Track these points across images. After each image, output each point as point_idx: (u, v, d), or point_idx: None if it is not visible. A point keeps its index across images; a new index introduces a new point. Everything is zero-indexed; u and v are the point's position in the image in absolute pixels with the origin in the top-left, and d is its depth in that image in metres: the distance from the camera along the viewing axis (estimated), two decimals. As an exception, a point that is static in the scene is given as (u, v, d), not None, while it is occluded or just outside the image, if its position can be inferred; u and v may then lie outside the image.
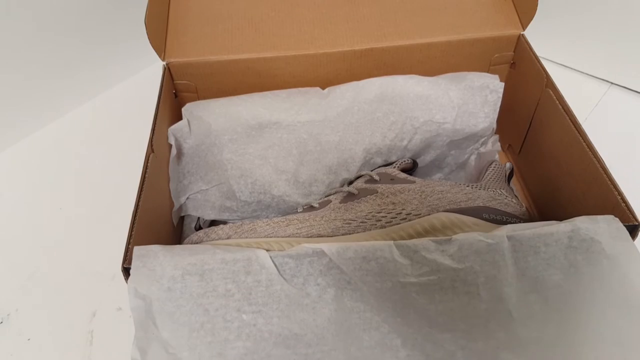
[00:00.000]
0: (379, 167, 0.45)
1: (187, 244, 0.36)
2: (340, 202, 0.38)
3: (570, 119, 0.40)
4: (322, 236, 0.35)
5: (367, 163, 0.45)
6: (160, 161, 0.40)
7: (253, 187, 0.43)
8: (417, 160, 0.47)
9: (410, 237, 0.35)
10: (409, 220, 0.36)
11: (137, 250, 0.30)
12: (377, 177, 0.41)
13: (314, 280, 0.30)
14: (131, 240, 0.31)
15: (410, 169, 0.45)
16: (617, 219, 0.31)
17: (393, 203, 0.37)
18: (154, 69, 0.66)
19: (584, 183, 0.38)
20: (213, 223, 0.47)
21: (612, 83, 0.64)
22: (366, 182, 0.41)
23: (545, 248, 0.30)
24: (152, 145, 0.38)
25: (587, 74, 0.65)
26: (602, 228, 0.31)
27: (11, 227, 0.53)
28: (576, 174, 0.39)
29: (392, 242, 0.30)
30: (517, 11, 0.49)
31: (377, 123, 0.45)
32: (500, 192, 0.40)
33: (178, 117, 0.47)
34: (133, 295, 0.29)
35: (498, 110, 0.47)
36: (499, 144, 0.50)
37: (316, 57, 0.48)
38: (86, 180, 0.57)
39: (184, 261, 0.29)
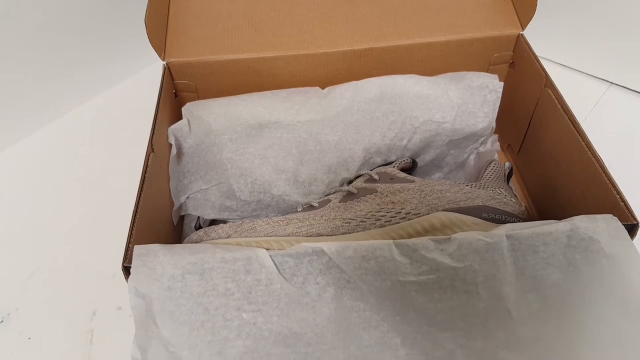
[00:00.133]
0: (379, 166, 0.45)
1: (187, 243, 0.36)
2: (340, 202, 0.39)
3: (569, 118, 0.40)
4: (322, 235, 0.35)
5: (367, 163, 0.45)
6: (160, 161, 0.40)
7: (253, 186, 0.43)
8: (417, 160, 0.47)
9: (410, 236, 0.35)
10: (409, 219, 0.36)
11: (138, 249, 0.30)
12: (376, 177, 0.41)
13: (313, 280, 0.30)
14: (131, 240, 0.31)
15: (410, 168, 0.45)
16: (616, 218, 0.31)
17: (393, 202, 0.37)
18: (154, 69, 0.66)
19: (583, 183, 0.38)
20: (213, 222, 0.47)
21: (611, 83, 0.64)
22: (366, 181, 0.41)
23: (544, 247, 0.30)
24: (152, 145, 0.38)
25: (587, 74, 0.65)
26: (601, 227, 0.31)
27: (12, 227, 0.53)
28: (575, 174, 0.39)
29: (392, 241, 0.30)
30: (516, 11, 0.49)
31: (376, 123, 0.45)
32: (499, 192, 0.41)
33: (178, 117, 0.47)
34: (133, 295, 0.29)
35: (497, 110, 0.47)
36: (498, 143, 0.50)
37: (316, 57, 0.48)
38: (87, 180, 0.57)
39: (184, 260, 0.30)
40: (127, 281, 0.30)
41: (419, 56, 0.49)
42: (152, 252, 0.30)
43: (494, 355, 0.29)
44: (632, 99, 0.63)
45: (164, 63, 0.47)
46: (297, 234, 0.35)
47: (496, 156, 0.50)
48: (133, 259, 0.29)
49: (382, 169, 0.42)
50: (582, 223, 0.31)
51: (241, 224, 0.36)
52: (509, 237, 0.30)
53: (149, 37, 0.44)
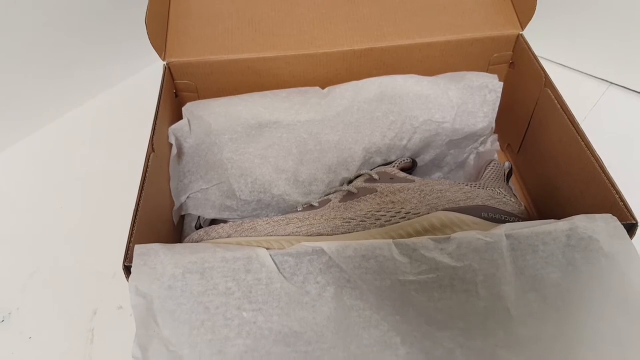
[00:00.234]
0: (379, 166, 0.45)
1: (187, 242, 0.36)
2: (340, 201, 0.39)
3: (569, 118, 0.40)
4: (322, 235, 0.35)
5: (366, 162, 0.46)
6: (160, 160, 0.40)
7: (253, 186, 0.43)
8: (417, 160, 0.47)
9: (410, 236, 0.36)
10: (409, 219, 0.36)
11: (138, 248, 0.30)
12: (376, 177, 0.41)
13: (313, 279, 0.30)
14: (132, 239, 0.31)
15: (410, 168, 0.45)
16: (615, 217, 0.31)
17: (392, 202, 0.38)
18: (154, 68, 0.66)
19: (583, 182, 0.38)
20: (213, 222, 0.47)
21: (611, 83, 0.64)
22: (366, 181, 0.41)
23: (543, 247, 0.31)
24: (152, 145, 0.38)
25: (586, 74, 0.65)
26: (600, 227, 0.31)
27: (12, 227, 0.53)
28: (575, 174, 0.39)
29: (392, 240, 0.30)
30: (516, 11, 0.50)
31: (376, 123, 0.45)
32: (499, 191, 0.41)
33: (178, 117, 0.47)
34: (134, 294, 0.29)
35: (497, 109, 0.47)
36: (498, 143, 0.50)
37: (316, 57, 0.48)
38: (87, 179, 0.57)
39: (184, 260, 0.30)
40: (127, 280, 0.30)
41: (418, 56, 0.50)
42: (153, 251, 0.30)
43: (493, 354, 0.30)
44: (632, 98, 0.63)
45: (165, 63, 0.47)
46: (297, 234, 0.35)
47: (496, 156, 0.50)
48: (134, 258, 0.30)
49: (382, 169, 0.43)
50: (581, 222, 0.31)
51: (241, 223, 0.36)
52: (508, 236, 0.30)
53: (149, 37, 0.44)
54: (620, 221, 0.31)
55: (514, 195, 0.43)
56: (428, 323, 0.30)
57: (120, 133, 0.62)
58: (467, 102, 0.46)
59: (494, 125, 0.48)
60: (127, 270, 0.30)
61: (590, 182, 0.36)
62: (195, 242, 0.35)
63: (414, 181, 0.40)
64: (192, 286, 0.29)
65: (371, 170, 0.43)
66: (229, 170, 0.44)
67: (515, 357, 0.30)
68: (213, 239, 0.35)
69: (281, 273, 0.30)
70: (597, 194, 0.36)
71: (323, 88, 0.49)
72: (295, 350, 0.29)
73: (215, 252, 0.30)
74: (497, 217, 0.38)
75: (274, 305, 0.29)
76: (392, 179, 0.41)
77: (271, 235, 0.35)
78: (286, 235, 0.35)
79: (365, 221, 0.36)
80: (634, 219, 0.32)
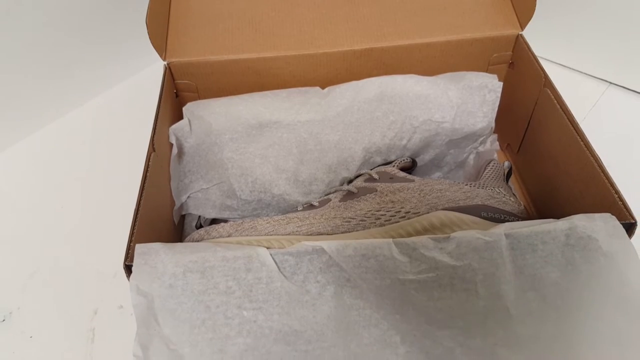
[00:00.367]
0: (379, 166, 0.45)
1: (188, 242, 0.36)
2: (340, 201, 0.39)
3: (568, 118, 0.40)
4: (322, 234, 0.35)
5: (366, 162, 0.46)
6: (161, 160, 0.41)
7: (253, 185, 0.44)
8: (417, 159, 0.47)
9: (409, 235, 0.36)
10: (408, 218, 0.37)
11: (139, 247, 0.30)
12: (376, 176, 0.41)
13: (313, 278, 0.30)
14: (133, 238, 0.31)
15: (410, 167, 0.45)
16: (613, 216, 0.31)
17: (392, 201, 0.38)
18: (154, 68, 0.66)
19: (582, 182, 0.38)
20: (214, 221, 0.47)
21: (610, 83, 0.64)
22: (366, 180, 0.41)
23: (542, 246, 0.31)
24: (153, 145, 0.39)
25: (586, 74, 0.66)
26: (599, 226, 0.31)
27: (13, 226, 0.53)
28: (574, 173, 0.39)
29: (391, 239, 0.30)
30: (515, 11, 0.50)
31: (376, 122, 0.45)
32: (498, 191, 0.41)
33: (179, 117, 0.48)
34: (135, 292, 0.29)
35: (496, 109, 0.47)
36: (497, 143, 0.51)
37: (316, 57, 0.49)
38: (88, 179, 0.57)
39: (185, 259, 0.30)
40: (128, 279, 0.30)
41: (418, 56, 0.50)
42: (153, 250, 0.30)
43: (492, 352, 0.30)
44: (631, 98, 0.63)
45: (165, 63, 0.47)
46: (297, 233, 0.35)
47: (495, 155, 0.50)
48: (134, 257, 0.30)
49: (382, 168, 0.43)
50: (580, 221, 0.31)
51: (242, 222, 0.36)
52: (507, 235, 0.31)
53: (149, 37, 0.45)
54: (619, 220, 0.31)
55: (513, 194, 0.43)
56: (428, 322, 0.30)
57: (120, 133, 0.62)
58: (467, 101, 0.46)
59: (493, 124, 0.48)
60: (128, 269, 0.30)
61: (589, 181, 0.37)
62: (195, 241, 0.35)
63: (413, 181, 0.40)
64: (192, 285, 0.29)
65: (371, 169, 0.43)
66: (229, 169, 0.44)
67: (514, 356, 0.30)
68: (213, 238, 0.35)
69: (281, 272, 0.30)
70: (596, 193, 0.36)
71: (323, 88, 0.49)
72: (296, 348, 0.29)
73: (216, 251, 0.30)
74: (497, 216, 0.39)
75: (274, 304, 0.29)
76: (392, 178, 0.41)
77: (271, 235, 0.35)
78: (286, 235, 0.35)
79: (365, 220, 0.36)
80: (633, 218, 0.32)
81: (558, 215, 0.33)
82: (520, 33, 0.49)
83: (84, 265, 0.49)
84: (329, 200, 0.39)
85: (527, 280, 0.30)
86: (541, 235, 0.31)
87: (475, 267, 0.30)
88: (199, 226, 0.46)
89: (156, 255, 0.30)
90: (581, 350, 0.30)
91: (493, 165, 0.44)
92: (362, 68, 0.49)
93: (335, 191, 0.41)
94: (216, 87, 0.50)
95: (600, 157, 0.36)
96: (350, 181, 0.43)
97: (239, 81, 0.49)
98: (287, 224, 0.35)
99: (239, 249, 0.30)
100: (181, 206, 0.45)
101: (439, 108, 0.45)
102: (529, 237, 0.31)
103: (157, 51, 0.46)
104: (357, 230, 0.36)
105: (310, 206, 0.39)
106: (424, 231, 0.36)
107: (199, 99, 0.50)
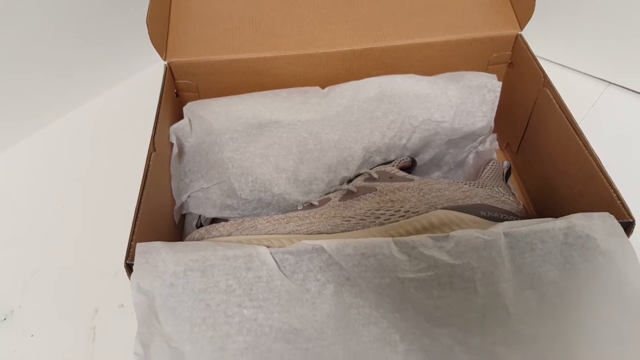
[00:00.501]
0: (378, 165, 0.45)
1: (188, 241, 0.36)
2: (339, 200, 0.39)
3: (567, 118, 0.40)
4: (321, 233, 0.35)
5: (366, 161, 0.46)
6: (162, 160, 0.41)
7: (254, 185, 0.44)
8: (416, 159, 0.47)
9: (409, 234, 0.36)
10: (408, 217, 0.37)
11: (140, 246, 0.30)
12: (376, 176, 0.41)
13: (313, 276, 0.30)
14: (134, 237, 0.32)
15: (409, 167, 0.46)
16: (612, 215, 0.32)
17: (392, 201, 0.38)
18: (155, 68, 0.66)
19: (581, 181, 0.38)
20: (214, 221, 0.47)
21: (609, 82, 0.64)
22: (365, 180, 0.41)
23: (541, 244, 0.31)
24: (154, 144, 0.39)
25: (585, 74, 0.66)
26: (597, 225, 0.31)
27: (14, 226, 0.54)
28: (573, 173, 0.39)
29: (391, 238, 0.31)
30: (514, 11, 0.50)
31: (376, 122, 0.45)
32: (497, 190, 0.41)
33: (179, 116, 0.48)
34: (136, 291, 0.29)
35: (496, 109, 0.47)
36: (496, 142, 0.51)
37: (316, 56, 0.49)
38: (88, 179, 0.58)
39: (185, 257, 0.30)
40: (129, 278, 0.30)
41: (418, 56, 0.50)
42: (154, 249, 0.30)
43: (491, 351, 0.30)
44: (630, 98, 0.63)
45: (165, 63, 0.47)
46: (297, 232, 0.35)
47: (494, 155, 0.50)
48: (135, 256, 0.30)
49: (382, 168, 0.43)
50: (578, 220, 0.31)
51: (242, 222, 0.36)
52: (506, 234, 0.31)
53: (150, 37, 0.45)
54: (617, 219, 0.31)
55: (513, 194, 0.43)
56: (427, 320, 0.30)
57: (121, 132, 0.62)
58: (466, 101, 0.46)
59: (492, 124, 0.48)
60: (129, 267, 0.30)
61: (588, 181, 0.37)
62: (196, 240, 0.35)
63: (413, 180, 0.40)
64: (193, 283, 0.29)
65: (370, 169, 0.43)
66: (230, 169, 0.44)
67: (513, 354, 0.30)
68: (214, 237, 0.35)
69: (281, 271, 0.30)
70: (595, 192, 0.36)
71: (323, 88, 0.49)
72: (295, 347, 0.29)
73: (216, 250, 0.30)
74: (496, 215, 0.39)
75: (274, 302, 0.30)
76: (392, 177, 0.41)
77: (271, 234, 0.35)
78: (286, 234, 0.35)
79: (364, 219, 0.36)
80: (631, 217, 0.32)
81: (557, 214, 0.33)
82: (519, 33, 0.49)
83: (85, 264, 0.49)
84: (329, 199, 0.39)
85: (526, 278, 0.31)
86: (540, 234, 0.31)
87: (474, 265, 0.30)
88: (200, 225, 0.46)
89: (157, 254, 0.30)
90: (580, 349, 0.30)
91: (492, 165, 0.44)
92: (362, 68, 0.50)
93: (335, 190, 0.41)
94: (216, 87, 0.50)
95: (599, 157, 0.36)
96: (350, 180, 0.43)
97: (239, 81, 0.49)
98: (287, 223, 0.36)
99: (239, 248, 0.31)
100: (182, 205, 0.45)
101: (439, 108, 0.46)
102: (528, 236, 0.31)
103: (157, 51, 0.46)
104: (356, 229, 0.36)
105: (310, 205, 0.39)
106: (424, 230, 0.36)
107: (200, 98, 0.50)
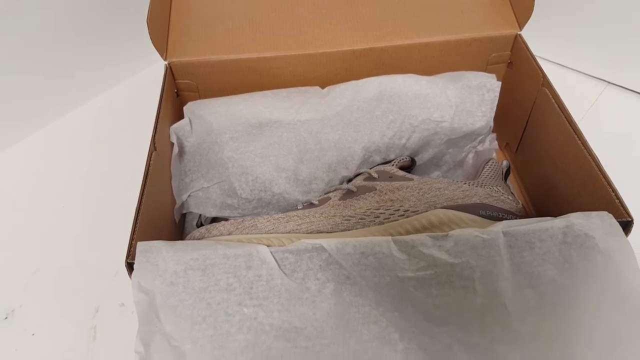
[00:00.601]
0: (378, 165, 0.45)
1: (189, 240, 0.36)
2: (339, 199, 0.39)
3: (566, 117, 0.40)
4: (321, 232, 0.36)
5: (366, 161, 0.46)
6: (162, 159, 0.41)
7: (254, 184, 0.44)
8: (416, 159, 0.47)
9: (408, 233, 0.36)
10: (407, 216, 0.37)
11: (141, 245, 0.30)
12: (375, 175, 0.41)
13: (313, 275, 0.30)
14: (134, 236, 0.32)
15: (409, 166, 0.46)
16: (610, 215, 0.32)
17: (391, 200, 0.38)
18: (155, 68, 0.67)
19: (579, 181, 0.38)
20: (214, 220, 0.47)
21: (608, 82, 0.65)
22: (365, 179, 0.41)
23: (540, 243, 0.31)
24: (154, 144, 0.39)
25: (584, 73, 0.66)
26: (596, 224, 0.31)
27: (15, 225, 0.54)
28: (572, 172, 0.39)
29: (390, 237, 0.31)
30: (514, 11, 0.50)
31: (376, 122, 0.46)
32: (496, 190, 0.41)
33: (180, 116, 0.48)
34: (137, 290, 0.29)
35: (495, 109, 0.47)
36: (496, 142, 0.51)
37: (316, 56, 0.49)
38: (89, 178, 0.58)
39: (186, 256, 0.30)
40: (130, 277, 0.30)
41: (417, 56, 0.50)
42: (155, 248, 0.30)
43: (490, 349, 0.30)
44: (629, 98, 0.63)
45: (166, 63, 0.48)
46: (297, 231, 0.35)
47: (494, 154, 0.50)
48: (136, 255, 0.30)
49: (381, 167, 0.43)
50: (577, 219, 0.31)
51: (242, 221, 0.36)
52: (505, 233, 0.31)
53: (150, 37, 0.45)
54: (615, 218, 0.32)
55: (512, 193, 0.43)
56: (426, 319, 0.30)
57: (121, 132, 0.62)
58: (466, 101, 0.46)
59: (492, 124, 0.48)
60: (130, 266, 0.30)
61: (587, 180, 0.37)
62: (196, 240, 0.36)
63: (412, 179, 0.40)
64: (193, 282, 0.30)
65: (370, 168, 0.43)
66: (230, 168, 0.44)
67: (512, 352, 0.30)
68: (214, 236, 0.35)
69: (281, 269, 0.30)
70: (594, 192, 0.36)
71: (323, 87, 0.49)
72: (295, 345, 0.30)
73: (217, 249, 0.31)
74: (495, 214, 0.39)
75: (274, 301, 0.30)
76: (391, 177, 0.41)
77: (271, 233, 0.35)
78: (286, 233, 0.35)
79: (364, 219, 0.37)
80: (629, 216, 0.32)
81: (556, 213, 0.33)
82: (518, 33, 0.49)
83: (85, 263, 0.49)
84: (329, 198, 0.40)
85: (525, 277, 0.31)
86: (538, 233, 0.31)
87: (473, 264, 0.30)
88: (200, 224, 0.47)
89: (158, 253, 0.30)
90: (579, 347, 0.30)
91: (491, 164, 0.44)
92: (362, 68, 0.50)
93: (335, 190, 0.42)
94: (217, 87, 0.50)
95: (598, 156, 0.36)
96: (349, 180, 0.43)
97: (239, 81, 0.50)
98: (287, 222, 0.36)
99: (239, 247, 0.31)
100: (182, 205, 0.46)
101: (438, 107, 0.46)
102: (527, 235, 0.31)
103: (158, 51, 0.47)
104: (356, 229, 0.36)
105: (310, 205, 0.39)
106: (423, 229, 0.36)
107: (200, 98, 0.50)
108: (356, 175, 0.43)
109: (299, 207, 0.40)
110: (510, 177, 0.51)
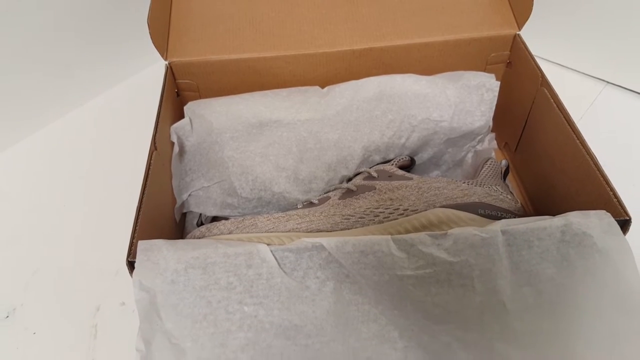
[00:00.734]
0: (378, 164, 0.45)
1: (189, 239, 0.37)
2: (339, 199, 0.39)
3: (565, 117, 0.40)
4: (321, 231, 0.36)
5: (365, 160, 0.46)
6: (163, 159, 0.41)
7: (254, 184, 0.44)
8: (415, 158, 0.47)
9: (408, 232, 0.36)
10: (406, 215, 0.37)
11: (142, 244, 0.31)
12: (375, 174, 0.41)
13: (313, 274, 0.31)
14: (135, 235, 0.32)
15: (408, 166, 0.46)
16: (608, 213, 0.32)
17: (391, 199, 0.38)
18: (155, 68, 0.67)
19: (578, 180, 0.38)
20: (215, 219, 0.48)
21: (607, 82, 0.65)
22: (365, 179, 0.41)
23: (538, 242, 0.31)
24: (155, 143, 0.39)
25: (583, 73, 0.66)
26: (594, 223, 0.31)
27: (16, 225, 0.54)
28: (570, 172, 0.40)
29: (390, 236, 0.31)
30: (513, 11, 0.50)
31: (375, 121, 0.46)
32: (495, 189, 0.41)
33: (180, 116, 0.48)
34: (138, 288, 0.29)
35: (494, 108, 0.47)
36: (495, 141, 0.51)
37: (316, 56, 0.49)
38: (89, 178, 0.58)
39: (187, 255, 0.30)
40: (131, 275, 0.30)
41: (417, 56, 0.50)
42: (156, 246, 0.31)
43: (489, 347, 0.30)
44: (628, 98, 0.63)
45: (166, 62, 0.48)
46: (297, 230, 0.35)
47: (493, 154, 0.50)
48: (137, 254, 0.30)
49: (381, 167, 0.43)
50: (575, 218, 0.31)
51: (242, 220, 0.36)
52: (504, 232, 0.31)
53: (151, 37, 0.45)
54: (613, 217, 0.32)
55: (510, 192, 0.43)
56: (425, 317, 0.30)
57: (122, 132, 0.62)
58: (465, 100, 0.47)
59: (491, 123, 0.48)
60: (131, 265, 0.31)
61: (585, 179, 0.37)
62: (197, 238, 0.36)
63: (411, 179, 0.41)
64: (194, 281, 0.30)
65: (370, 168, 0.44)
66: (230, 168, 0.44)
67: (511, 350, 0.30)
68: (214, 235, 0.35)
69: (281, 268, 0.30)
70: (592, 191, 0.36)
71: (322, 87, 0.49)
72: (295, 343, 0.30)
73: (217, 247, 0.31)
74: (494, 213, 0.39)
75: (274, 299, 0.30)
76: (391, 176, 0.41)
77: (271, 232, 0.35)
78: (286, 232, 0.35)
79: (363, 218, 0.37)
80: (627, 215, 0.32)
81: (554, 212, 0.33)
82: (517, 33, 0.49)
83: (86, 263, 0.50)
84: (329, 198, 0.40)
85: (523, 275, 0.31)
86: (537, 231, 0.31)
87: (472, 263, 0.31)
88: (200, 224, 0.47)
89: (158, 252, 0.30)
90: (577, 345, 0.30)
91: (490, 164, 0.44)
92: (362, 67, 0.50)
93: (335, 189, 0.42)
94: (217, 87, 0.50)
95: (597, 156, 0.37)
96: (349, 179, 0.44)
97: (239, 80, 0.50)
98: (287, 221, 0.36)
99: (239, 246, 0.31)
100: (182, 204, 0.46)
101: (437, 107, 0.46)
102: (525, 234, 0.31)
103: (158, 51, 0.47)
104: (356, 228, 0.36)
105: (310, 204, 0.40)
106: (422, 228, 0.37)
107: (200, 98, 0.50)
108: (356, 175, 0.43)
109: (299, 206, 0.40)
110: (509, 177, 0.51)
